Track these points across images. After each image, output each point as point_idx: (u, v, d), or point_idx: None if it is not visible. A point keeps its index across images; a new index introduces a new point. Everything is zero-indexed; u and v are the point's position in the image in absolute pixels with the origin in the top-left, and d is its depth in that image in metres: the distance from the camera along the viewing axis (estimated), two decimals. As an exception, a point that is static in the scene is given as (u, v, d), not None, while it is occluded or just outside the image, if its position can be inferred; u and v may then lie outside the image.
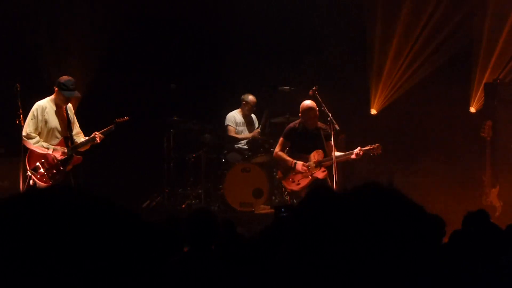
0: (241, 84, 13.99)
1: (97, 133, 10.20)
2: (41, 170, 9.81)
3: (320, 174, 11.13)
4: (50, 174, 9.86)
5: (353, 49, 14.27)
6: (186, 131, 13.49)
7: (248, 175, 12.63)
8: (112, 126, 10.34)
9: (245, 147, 13.30)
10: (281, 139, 11.47)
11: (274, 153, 11.63)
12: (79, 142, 10.20)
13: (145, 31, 14.17)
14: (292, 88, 12.87)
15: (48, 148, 9.87)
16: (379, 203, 2.12)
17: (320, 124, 11.11)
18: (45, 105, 9.92)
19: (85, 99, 10.42)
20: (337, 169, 10.61)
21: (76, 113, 10.65)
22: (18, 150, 9.56)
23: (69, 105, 10.23)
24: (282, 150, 11.38)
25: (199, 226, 5.22)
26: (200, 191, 13.18)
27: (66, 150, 9.99)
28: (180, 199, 13.20)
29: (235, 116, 13.61)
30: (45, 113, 9.87)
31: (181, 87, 13.45)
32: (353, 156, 10.78)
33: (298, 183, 11.29)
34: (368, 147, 10.80)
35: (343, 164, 11.29)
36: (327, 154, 11.06)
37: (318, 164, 11.07)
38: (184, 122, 13.33)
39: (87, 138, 10.24)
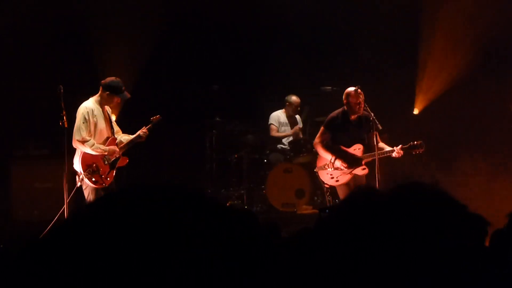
0: (283, 84, 13.98)
1: (143, 130, 10.19)
2: (96, 172, 9.79)
3: (360, 171, 10.60)
4: (103, 176, 9.84)
5: (398, 48, 14.17)
6: (229, 132, 13.54)
7: (290, 176, 12.62)
8: (150, 125, 10.32)
9: (287, 147, 13.30)
10: (322, 128, 10.92)
11: (314, 143, 11.12)
12: (122, 140, 10.22)
13: (188, 32, 14.24)
14: (334, 88, 12.75)
15: (105, 150, 9.84)
16: (423, 202, 2.10)
17: (363, 113, 10.55)
18: (93, 107, 9.79)
19: (128, 101, 10.46)
20: (378, 168, 10.28)
21: (119, 114, 10.70)
22: (62, 152, 9.57)
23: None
24: (322, 141, 10.87)
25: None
26: (242, 191, 13.22)
27: (118, 151, 10.04)
28: (222, 200, 13.20)
29: (279, 116, 13.62)
30: (94, 115, 9.77)
31: (224, 88, 13.50)
32: (394, 154, 10.35)
33: (337, 180, 10.75)
34: (409, 144, 10.40)
35: (384, 163, 11.05)
36: (368, 145, 10.57)
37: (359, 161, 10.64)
38: (226, 123, 13.38)
39: (132, 136, 10.21)
